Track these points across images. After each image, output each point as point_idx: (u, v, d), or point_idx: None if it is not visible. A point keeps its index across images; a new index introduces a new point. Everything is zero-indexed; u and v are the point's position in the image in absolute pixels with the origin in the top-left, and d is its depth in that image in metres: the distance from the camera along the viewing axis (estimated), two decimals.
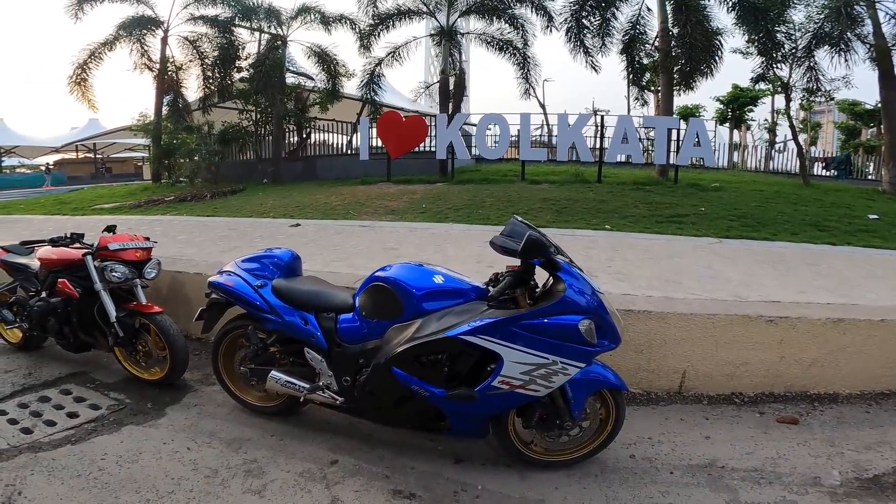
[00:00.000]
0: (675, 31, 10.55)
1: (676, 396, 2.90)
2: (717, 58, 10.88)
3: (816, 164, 18.70)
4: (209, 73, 14.60)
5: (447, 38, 11.63)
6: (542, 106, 22.72)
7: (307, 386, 2.32)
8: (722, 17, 10.61)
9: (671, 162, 10.34)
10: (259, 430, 2.51)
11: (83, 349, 3.20)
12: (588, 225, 6.54)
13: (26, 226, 7.97)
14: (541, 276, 2.12)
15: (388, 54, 12.37)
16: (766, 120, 27.79)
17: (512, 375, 1.94)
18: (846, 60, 10.26)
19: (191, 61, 14.78)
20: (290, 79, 14.36)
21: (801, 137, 29.45)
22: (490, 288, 2.10)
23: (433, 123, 11.05)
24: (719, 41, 10.61)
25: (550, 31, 11.44)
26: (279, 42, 14.04)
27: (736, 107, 26.50)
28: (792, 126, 13.67)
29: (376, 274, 2.25)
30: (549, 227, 6.30)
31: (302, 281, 2.55)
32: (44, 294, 3.14)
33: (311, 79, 14.27)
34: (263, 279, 2.48)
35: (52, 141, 32.47)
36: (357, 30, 13.10)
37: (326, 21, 13.74)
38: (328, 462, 2.26)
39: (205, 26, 14.30)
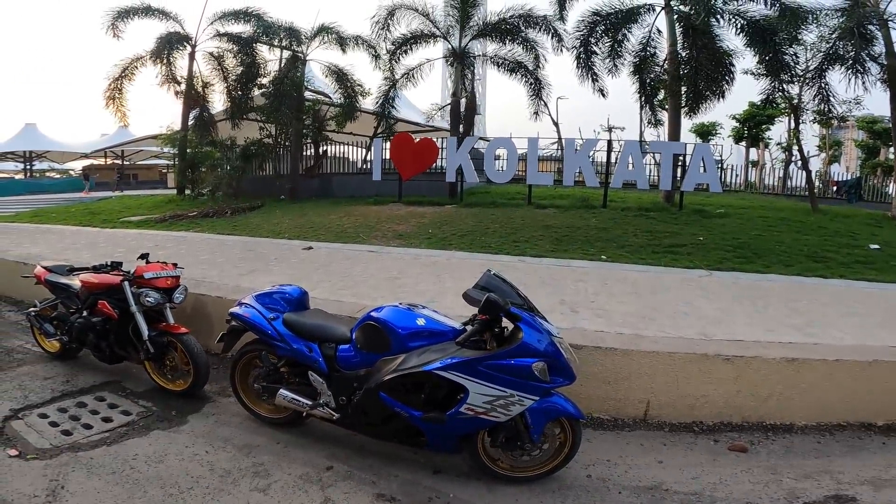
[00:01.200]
0: (684, 53, 10.83)
1: (641, 423, 3.20)
2: (727, 79, 11.09)
3: (830, 186, 18.55)
4: (232, 89, 15.36)
5: (459, 61, 12.11)
6: (556, 123, 23.11)
7: (310, 402, 2.75)
8: (732, 39, 10.80)
9: (677, 188, 10.56)
10: (267, 438, 2.91)
11: (116, 361, 3.64)
12: (585, 255, 6.77)
13: (60, 237, 8.58)
14: None
15: (403, 76, 12.92)
16: (783, 138, 27.64)
17: (476, 404, 2.33)
18: (863, 82, 10.32)
19: (215, 77, 15.57)
20: (308, 95, 15.01)
21: (821, 157, 29.10)
22: (467, 328, 2.48)
23: (443, 146, 11.47)
24: (729, 63, 10.81)
25: (561, 51, 11.83)
26: (299, 61, 14.71)
27: (752, 125, 26.52)
28: (801, 150, 13.73)
29: (371, 314, 2.67)
30: (546, 257, 6.61)
31: (309, 314, 3.00)
32: (85, 312, 3.57)
33: (329, 97, 14.91)
34: (276, 312, 2.94)
35: (82, 147, 34.01)
36: (373, 51, 13.72)
37: (343, 41, 14.36)
38: (324, 468, 2.63)
39: (229, 43, 15.08)
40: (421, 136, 12.63)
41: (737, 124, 27.30)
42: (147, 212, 12.26)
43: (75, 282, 3.71)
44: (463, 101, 12.65)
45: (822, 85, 11.33)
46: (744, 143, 28.20)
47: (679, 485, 2.56)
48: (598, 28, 11.24)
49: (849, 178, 18.69)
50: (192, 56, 15.54)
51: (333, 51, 14.48)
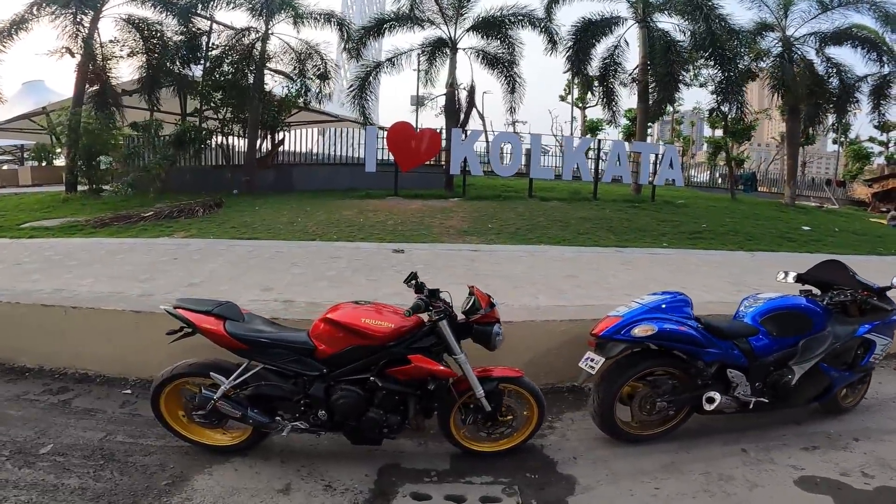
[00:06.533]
0: (653, 68, 12.15)
1: None
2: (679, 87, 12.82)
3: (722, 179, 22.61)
4: (155, 63, 12.79)
5: (452, 51, 11.84)
6: (482, 117, 23.73)
7: (727, 397, 2.89)
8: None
9: (652, 182, 11.92)
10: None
11: (377, 440, 2.56)
12: (645, 244, 7.59)
13: None
14: None
15: (388, 60, 12.17)
16: (662, 135, 32.41)
17: (878, 353, 3.20)
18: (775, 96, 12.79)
19: (136, 48, 12.79)
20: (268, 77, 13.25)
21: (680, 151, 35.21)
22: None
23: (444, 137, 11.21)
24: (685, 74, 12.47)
25: (552, 52, 12.30)
26: (256, 37, 12.83)
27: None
28: (728, 153, 16.49)
29: (773, 304, 3.09)
30: (631, 247, 7.21)
31: (717, 318, 3.08)
32: (371, 377, 2.45)
33: (292, 79, 13.31)
34: (687, 318, 2.91)
35: None
36: (345, 33, 12.63)
37: (301, 17, 12.90)
38: (740, 450, 2.78)
39: (155, 10, 12.48)
40: (320, 126, 12.04)
41: (627, 121, 31.29)
42: (49, 214, 9.60)
43: (296, 332, 2.55)
44: (463, 93, 12.39)
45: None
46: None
47: None
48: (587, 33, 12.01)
49: (744, 172, 23.03)
50: (94, 21, 12.49)
51: (308, 29, 12.87)
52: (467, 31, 11.93)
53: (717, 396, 2.84)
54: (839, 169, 28.85)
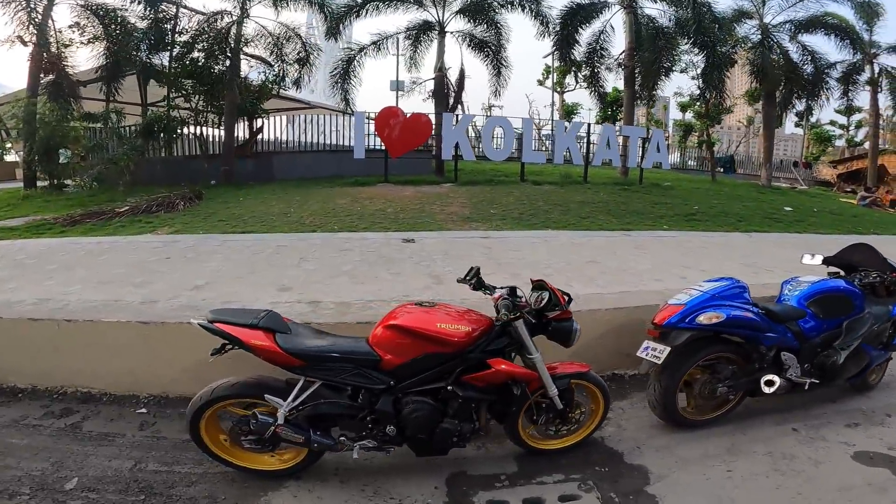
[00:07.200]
0: (640, 53, 12.15)
1: None
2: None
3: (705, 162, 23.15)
4: (116, 50, 11.90)
5: (440, 34, 11.49)
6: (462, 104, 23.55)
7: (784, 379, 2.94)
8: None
9: (640, 165, 12.01)
10: None
11: (444, 450, 2.37)
12: (646, 226, 7.61)
13: None
14: None
15: (373, 44, 11.71)
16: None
17: None
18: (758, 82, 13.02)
19: (93, 35, 11.86)
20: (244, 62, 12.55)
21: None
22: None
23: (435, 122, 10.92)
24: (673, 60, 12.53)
25: (544, 37, 12.12)
26: (231, 20, 12.09)
27: (616, 106, 30.85)
28: (708, 137, 16.79)
29: (817, 287, 3.12)
30: (636, 230, 7.21)
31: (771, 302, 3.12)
32: (448, 386, 2.25)
33: (270, 64, 12.64)
34: (747, 304, 2.92)
35: None
36: (326, 14, 12.05)
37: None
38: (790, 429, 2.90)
39: None
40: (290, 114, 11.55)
41: (603, 107, 31.51)
42: (8, 214, 8.81)
43: (356, 342, 2.29)
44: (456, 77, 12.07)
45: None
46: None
47: None
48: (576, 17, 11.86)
49: (722, 155, 23.58)
50: (49, 6, 11.49)
51: (288, 12, 12.24)
52: (455, 13, 11.57)
53: (777, 379, 2.87)
54: (803, 151, 30.06)
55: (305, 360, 2.17)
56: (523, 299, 2.35)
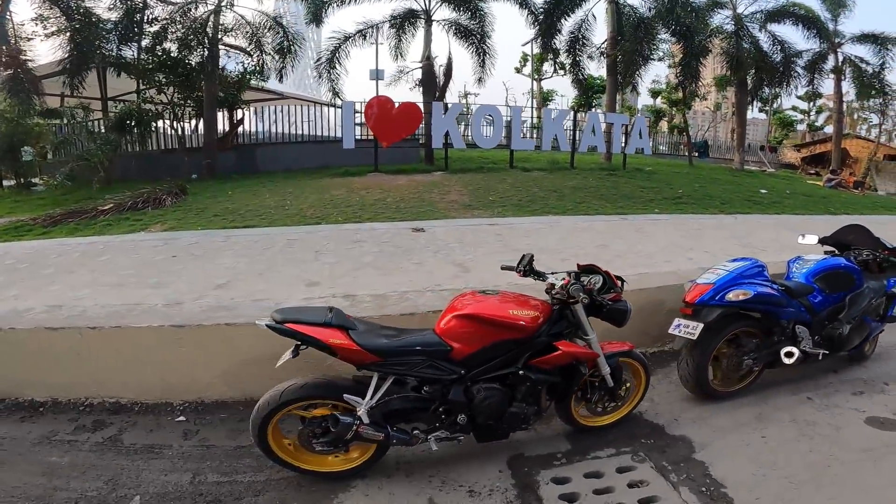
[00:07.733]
0: (621, 42, 12.37)
1: None
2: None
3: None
4: (80, 42, 11.24)
5: (427, 23, 11.38)
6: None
7: (797, 349, 3.13)
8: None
9: (624, 151, 12.30)
10: None
11: (504, 434, 2.45)
12: (643, 210, 7.90)
13: None
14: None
15: (358, 32, 11.49)
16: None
17: None
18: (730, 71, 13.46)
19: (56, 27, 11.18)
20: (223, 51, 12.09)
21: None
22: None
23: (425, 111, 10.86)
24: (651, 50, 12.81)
25: (535, 25, 12.11)
26: (208, 9, 11.60)
27: (592, 93, 31.25)
28: (685, 122, 17.26)
29: (823, 265, 3.34)
30: (633, 214, 7.48)
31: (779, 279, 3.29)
32: (519, 370, 2.32)
33: (249, 54, 12.23)
34: (768, 282, 3.12)
35: None
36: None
37: None
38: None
39: None
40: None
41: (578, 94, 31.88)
42: None
43: (426, 334, 2.28)
44: (443, 66, 11.97)
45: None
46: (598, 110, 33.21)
47: None
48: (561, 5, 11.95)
49: (698, 140, 24.27)
50: None
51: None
52: (441, 1, 11.47)
53: (795, 351, 3.08)
54: (768, 136, 31.32)
55: (382, 355, 2.17)
56: (587, 283, 2.45)
